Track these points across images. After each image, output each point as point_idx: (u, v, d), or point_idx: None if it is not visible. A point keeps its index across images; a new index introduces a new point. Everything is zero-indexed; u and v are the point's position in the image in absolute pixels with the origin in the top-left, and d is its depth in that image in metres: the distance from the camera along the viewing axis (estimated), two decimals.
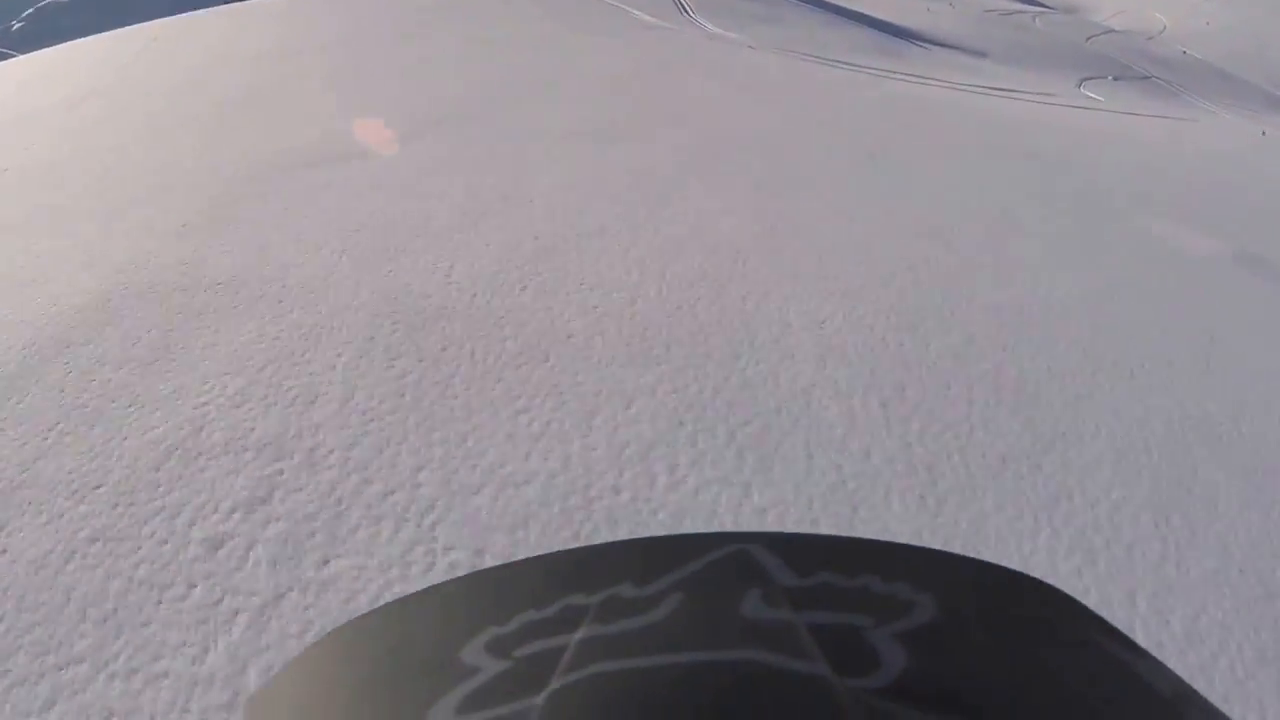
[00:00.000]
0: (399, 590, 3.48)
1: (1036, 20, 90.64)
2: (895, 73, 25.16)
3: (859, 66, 24.37)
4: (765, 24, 35.49)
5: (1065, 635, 0.59)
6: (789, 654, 0.52)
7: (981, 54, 52.32)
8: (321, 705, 0.58)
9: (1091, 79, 56.89)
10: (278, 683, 0.63)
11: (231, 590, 3.61)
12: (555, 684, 0.51)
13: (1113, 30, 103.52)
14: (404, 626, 0.65)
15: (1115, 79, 59.51)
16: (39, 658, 3.25)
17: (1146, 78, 65.31)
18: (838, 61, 24.91)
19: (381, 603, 0.97)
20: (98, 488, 4.16)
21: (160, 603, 3.52)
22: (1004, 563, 3.20)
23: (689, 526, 3.84)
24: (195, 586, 3.60)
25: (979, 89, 23.91)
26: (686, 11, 34.89)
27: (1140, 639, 3.30)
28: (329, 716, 0.57)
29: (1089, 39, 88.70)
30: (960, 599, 0.61)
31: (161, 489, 4.16)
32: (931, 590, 0.61)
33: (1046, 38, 70.14)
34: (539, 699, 0.50)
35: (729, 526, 3.86)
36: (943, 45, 50.74)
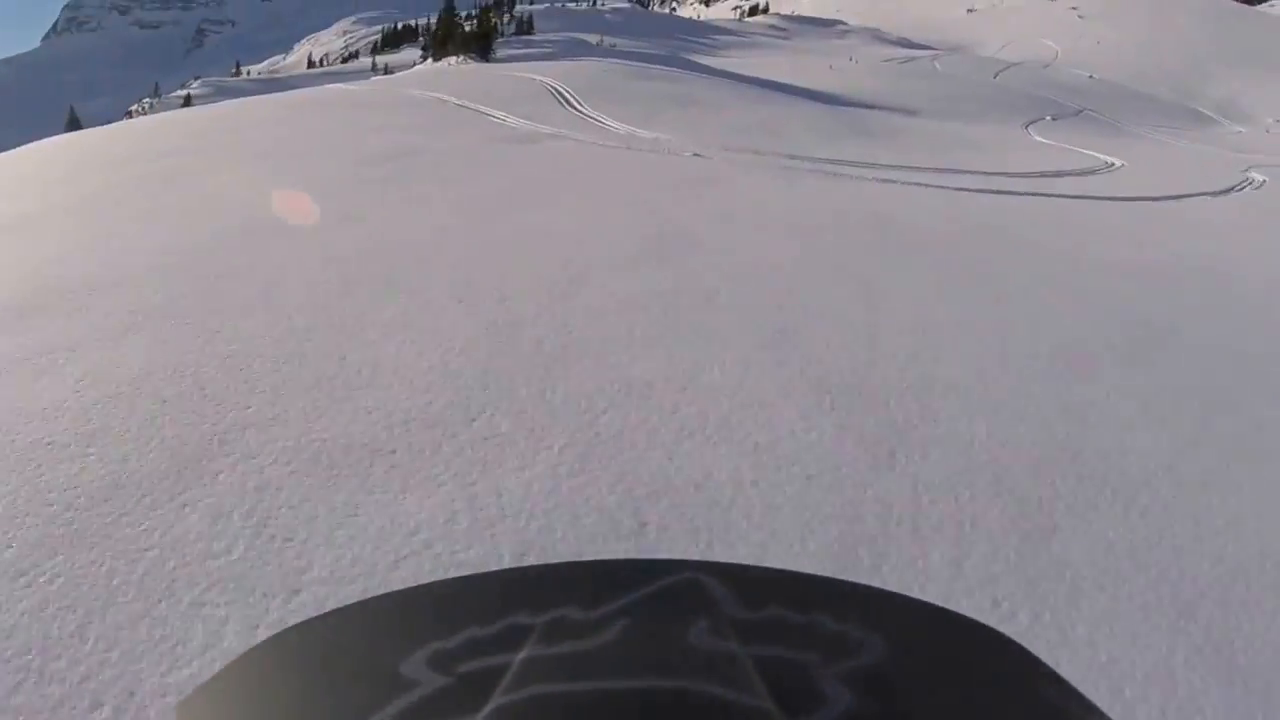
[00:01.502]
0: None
1: (936, 63, 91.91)
2: (898, 167, 20.07)
3: (851, 164, 19.67)
4: (678, 106, 28.10)
5: (1013, 684, 0.60)
6: (732, 686, 0.51)
7: (912, 112, 48.74)
8: (255, 711, 0.58)
9: (1033, 122, 54.90)
10: (212, 686, 0.62)
11: None
12: (495, 703, 0.51)
13: (1012, 64, 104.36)
14: (345, 635, 0.64)
15: (1053, 118, 57.92)
16: None
17: (1080, 112, 64.69)
18: (816, 161, 19.74)
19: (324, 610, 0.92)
20: None
21: None
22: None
23: None
24: None
25: (998, 189, 17.81)
26: (571, 105, 25.35)
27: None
28: None
29: (996, 75, 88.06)
30: (909, 642, 0.60)
31: None
32: (881, 632, 0.60)
33: (959, 82, 67.89)
34: (478, 717, 0.50)
35: None
36: (872, 107, 46.16)
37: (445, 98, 28.71)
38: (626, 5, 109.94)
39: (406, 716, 0.51)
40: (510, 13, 71.38)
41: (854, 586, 0.67)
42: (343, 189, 12.18)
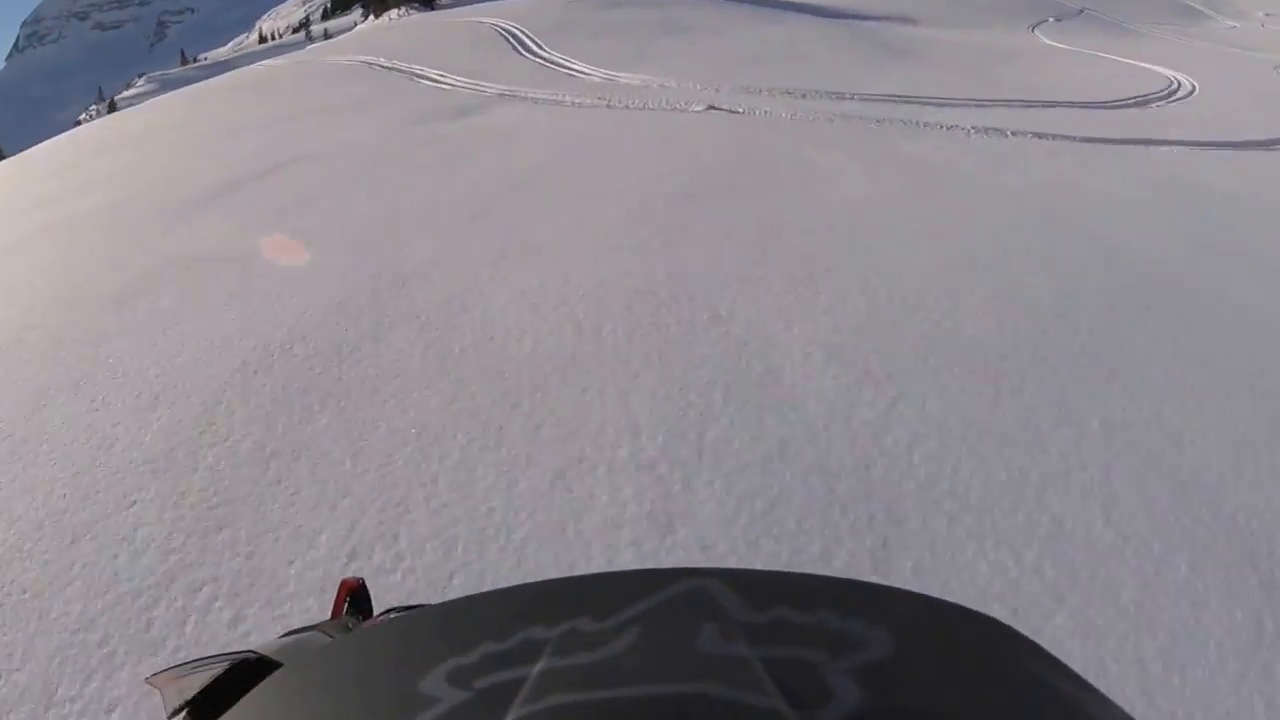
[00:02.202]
0: None
1: None
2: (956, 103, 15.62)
3: (924, 103, 15.36)
4: (667, 35, 24.21)
5: (1019, 674, 0.61)
6: (743, 687, 0.52)
7: (911, 19, 43.86)
8: None
9: (1039, 24, 50.99)
10: (236, 714, 0.64)
11: None
12: (514, 715, 0.52)
13: None
14: (364, 657, 0.66)
15: (1057, 19, 54.09)
16: None
17: (1081, 11, 60.98)
18: (877, 101, 15.45)
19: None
20: None
21: None
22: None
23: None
24: None
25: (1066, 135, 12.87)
26: (530, 50, 20.25)
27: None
28: None
29: None
30: (914, 635, 0.62)
31: None
32: (886, 626, 0.62)
33: None
34: None
35: None
36: (869, 18, 41.40)
37: (374, 60, 24.29)
38: None
39: None
40: None
41: (857, 584, 0.69)
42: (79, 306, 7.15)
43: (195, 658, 0.85)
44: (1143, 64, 27.03)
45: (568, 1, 32.45)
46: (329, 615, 1.56)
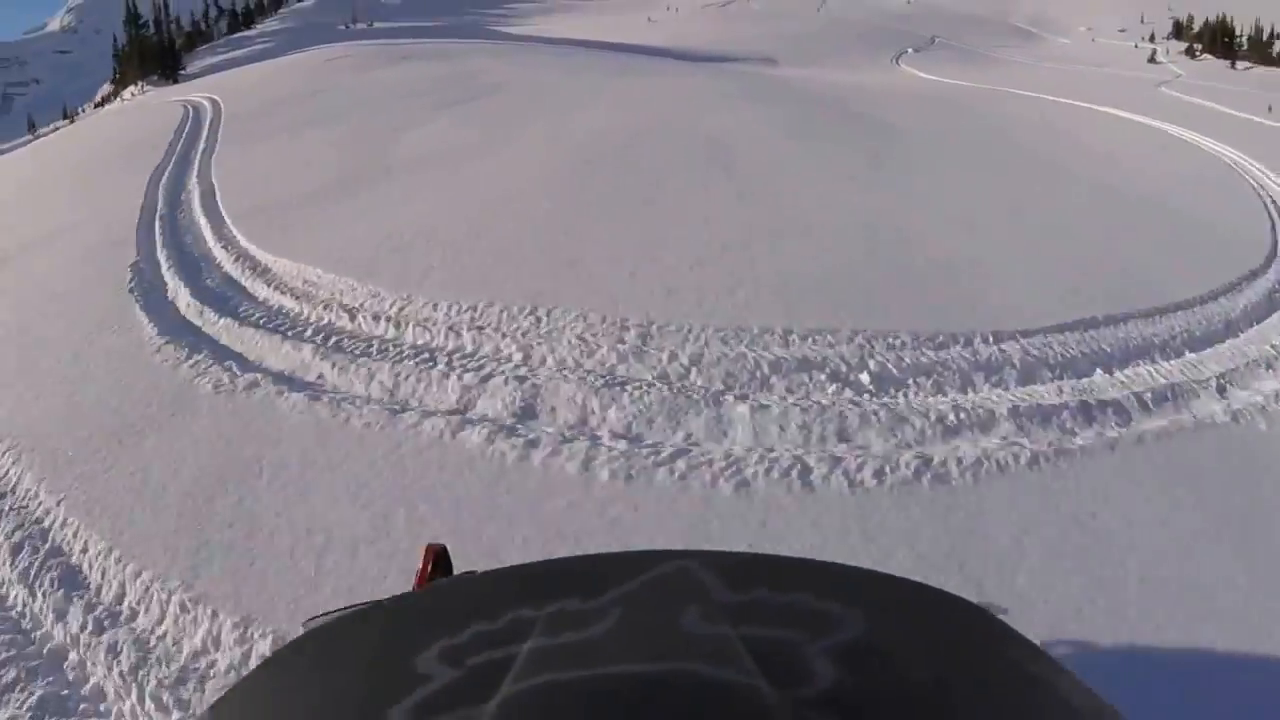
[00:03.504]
0: None
1: (753, 4, 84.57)
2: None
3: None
4: (465, 111, 14.96)
5: (989, 653, 0.63)
6: (725, 666, 0.54)
7: (771, 59, 39.74)
8: (284, 709, 0.62)
9: (900, 55, 49.57)
10: (239, 690, 0.65)
11: None
12: (504, 692, 0.53)
13: None
14: (361, 636, 0.68)
15: (915, 50, 52.77)
16: None
17: (933, 40, 59.68)
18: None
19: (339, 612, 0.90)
20: None
21: None
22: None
23: None
24: None
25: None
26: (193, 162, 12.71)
27: None
28: None
29: (819, 8, 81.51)
30: (888, 616, 0.64)
31: None
32: (861, 607, 0.63)
33: (791, 20, 60.14)
34: (490, 705, 0.52)
35: None
36: (731, 60, 36.97)
37: None
38: None
39: (423, 708, 0.54)
40: (222, 7, 54.80)
41: (832, 566, 0.70)
42: None
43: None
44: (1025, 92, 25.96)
45: (326, 60, 24.52)
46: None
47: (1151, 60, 69.63)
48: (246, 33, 48.75)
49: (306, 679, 0.64)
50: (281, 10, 61.14)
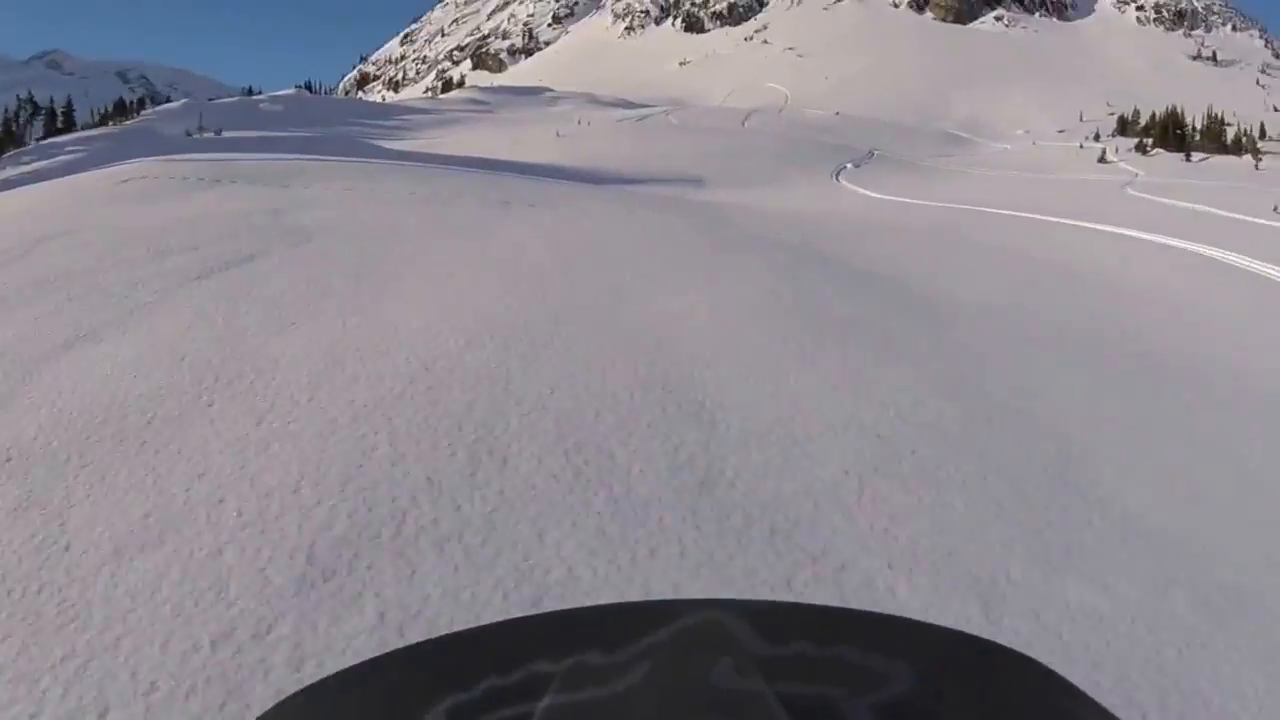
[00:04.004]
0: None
1: (671, 118, 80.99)
2: None
3: None
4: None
5: (1046, 710, 0.60)
6: None
7: (698, 181, 34.93)
8: None
9: (840, 170, 45.77)
10: None
11: None
12: None
13: (753, 110, 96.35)
14: (362, 692, 0.65)
15: (855, 165, 49.27)
16: None
17: (872, 153, 56.03)
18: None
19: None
20: None
21: None
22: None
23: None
24: None
25: None
26: None
27: None
28: None
29: (744, 121, 78.91)
30: (935, 670, 0.61)
31: None
32: (906, 660, 0.60)
33: (717, 136, 56.32)
34: None
35: None
36: (653, 181, 32.75)
37: None
38: (292, 92, 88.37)
39: None
40: (40, 108, 47.55)
41: (874, 616, 0.68)
42: None
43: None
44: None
45: (118, 184, 18.18)
46: None
47: (1102, 160, 67.79)
48: (56, 139, 41.31)
49: None
50: (137, 118, 54.35)
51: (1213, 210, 26.05)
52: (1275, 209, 23.97)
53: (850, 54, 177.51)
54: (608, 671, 0.57)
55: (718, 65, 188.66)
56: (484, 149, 41.19)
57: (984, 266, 11.62)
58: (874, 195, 31.60)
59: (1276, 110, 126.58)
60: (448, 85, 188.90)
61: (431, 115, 75.33)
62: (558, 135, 51.96)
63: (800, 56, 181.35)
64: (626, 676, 0.56)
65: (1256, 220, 23.04)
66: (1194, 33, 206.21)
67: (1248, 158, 76.04)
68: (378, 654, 0.68)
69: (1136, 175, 51.92)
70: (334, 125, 57.95)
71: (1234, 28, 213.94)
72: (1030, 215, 21.81)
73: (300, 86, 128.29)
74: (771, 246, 9.99)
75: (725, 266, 8.04)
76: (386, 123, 65.05)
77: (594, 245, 8.49)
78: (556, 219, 9.89)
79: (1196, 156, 75.20)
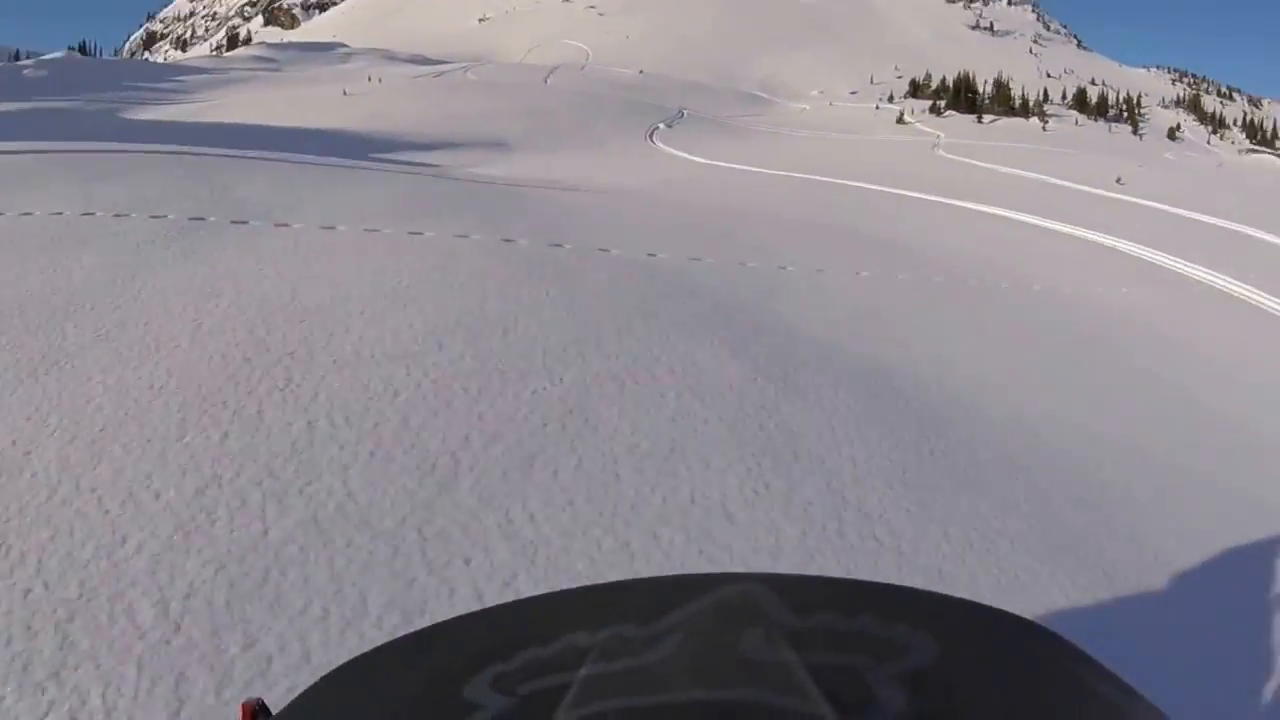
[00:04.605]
0: None
1: (469, 74, 77.00)
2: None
3: None
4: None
5: (1062, 679, 0.61)
6: (788, 694, 0.53)
7: (501, 145, 30.97)
8: None
9: (653, 130, 43.29)
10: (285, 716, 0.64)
11: None
12: None
13: (554, 67, 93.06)
14: (406, 665, 0.67)
15: (668, 125, 47.43)
16: None
17: (682, 113, 54.06)
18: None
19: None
20: None
21: None
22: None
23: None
24: None
25: None
26: None
27: None
28: None
29: (546, 79, 75.86)
30: (958, 641, 0.62)
31: None
32: (930, 632, 0.62)
33: (520, 93, 52.54)
34: None
35: None
36: (448, 146, 29.22)
37: None
38: (61, 55, 78.31)
39: None
40: None
41: (897, 589, 0.69)
42: None
43: None
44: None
45: None
46: None
47: (900, 121, 69.35)
48: None
49: (348, 710, 0.62)
50: None
51: (1024, 174, 25.64)
52: (1118, 180, 23.34)
53: (649, 13, 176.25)
54: (643, 642, 0.59)
55: (518, 21, 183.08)
56: (258, 113, 36.21)
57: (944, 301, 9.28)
58: (697, 159, 29.24)
59: (1049, 76, 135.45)
60: (234, 42, 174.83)
61: (211, 75, 67.50)
62: (344, 94, 47.08)
63: (601, 15, 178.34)
64: (661, 647, 0.58)
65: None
66: (973, 4, 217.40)
67: (1035, 120, 79.89)
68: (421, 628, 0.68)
69: (939, 136, 52.45)
70: (103, 91, 50.95)
71: (1009, 2, 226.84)
72: (873, 186, 20.12)
73: (72, 48, 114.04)
74: (600, 268, 6.60)
75: (517, 326, 4.76)
76: (160, 85, 57.50)
77: (306, 342, 4.34)
78: (266, 259, 5.68)
79: (987, 118, 78.09)
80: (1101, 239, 15.26)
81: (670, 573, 2.61)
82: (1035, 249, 13.47)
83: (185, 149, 10.82)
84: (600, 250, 7.03)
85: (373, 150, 24.80)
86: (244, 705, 1.31)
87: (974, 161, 30.90)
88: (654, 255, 7.37)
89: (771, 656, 0.56)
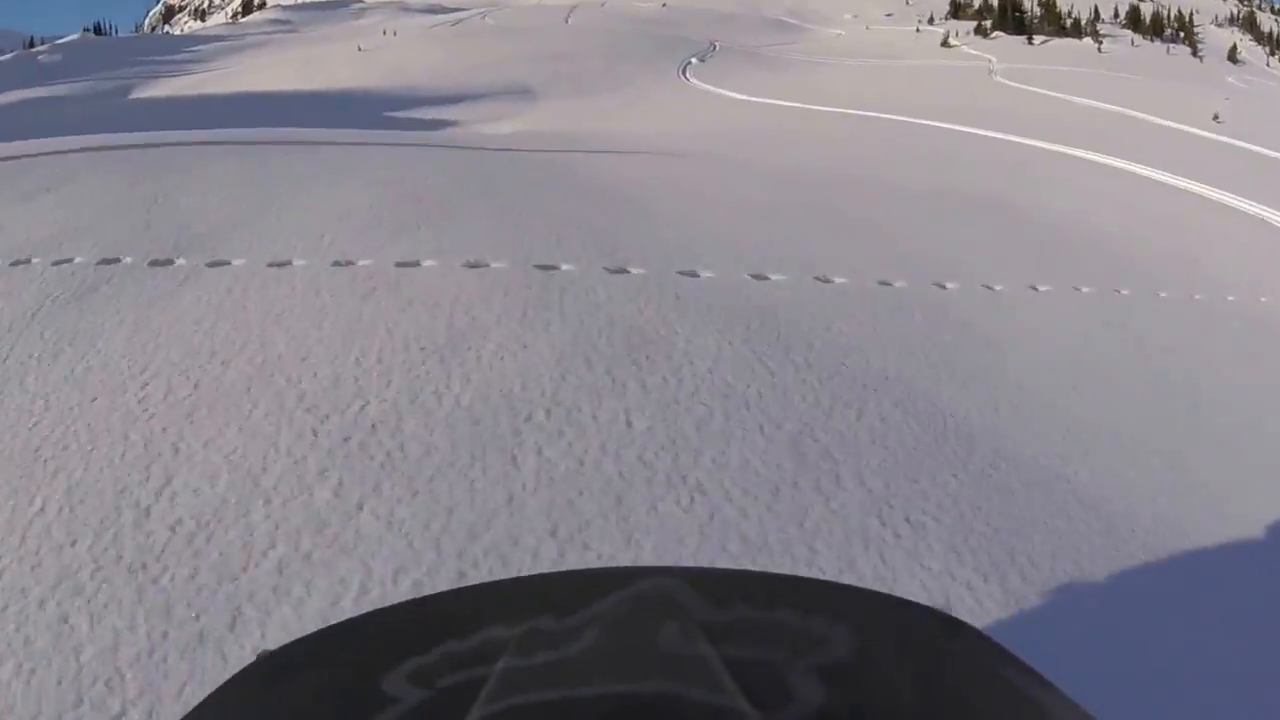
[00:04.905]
0: None
1: (487, 19, 74.41)
2: None
3: None
4: None
5: (980, 674, 0.61)
6: (705, 688, 0.52)
7: (526, 92, 29.40)
8: None
9: (686, 66, 40.15)
10: (197, 714, 0.62)
11: None
12: (476, 714, 0.52)
13: (574, 6, 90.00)
14: (322, 657, 0.66)
15: (700, 59, 44.17)
16: None
17: (713, 46, 51.27)
18: None
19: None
20: None
21: None
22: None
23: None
24: None
25: None
26: None
27: None
28: None
29: (567, 18, 73.26)
30: (875, 634, 0.62)
31: None
32: (847, 625, 0.62)
33: (542, 37, 49.15)
34: None
35: None
36: (468, 98, 27.45)
37: None
38: (77, 38, 77.24)
39: None
40: None
41: (814, 582, 0.70)
42: None
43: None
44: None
45: None
46: None
47: (945, 45, 65.48)
48: None
49: (263, 706, 0.60)
50: None
51: (1103, 106, 22.69)
52: (1215, 118, 20.37)
53: None
54: (560, 636, 0.58)
55: None
56: (269, 77, 34.24)
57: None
58: (740, 97, 26.80)
59: None
60: (250, 7, 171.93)
61: (227, 43, 65.29)
62: (359, 50, 44.85)
63: None
64: (578, 641, 0.57)
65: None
66: None
67: (1088, 40, 75.28)
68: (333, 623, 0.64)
69: (991, 61, 48.92)
70: (116, 69, 49.44)
71: None
72: (946, 125, 17.62)
73: (88, 29, 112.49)
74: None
75: None
76: (173, 58, 55.55)
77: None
78: (172, 342, 3.70)
79: (1037, 39, 73.81)
80: (1249, 207, 11.35)
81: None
82: (1183, 224, 9.76)
83: (145, 141, 8.72)
84: (685, 275, 4.67)
85: (386, 109, 22.78)
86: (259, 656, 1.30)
87: (1042, 90, 27.78)
88: (764, 278, 4.91)
89: (688, 650, 0.55)
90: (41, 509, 2.49)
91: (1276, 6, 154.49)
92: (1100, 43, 72.76)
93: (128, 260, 4.68)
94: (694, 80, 34.37)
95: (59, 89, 36.35)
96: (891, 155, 12.96)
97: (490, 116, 23.21)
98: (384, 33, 56.97)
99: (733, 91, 28.42)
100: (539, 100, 27.17)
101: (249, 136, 9.50)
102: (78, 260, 4.65)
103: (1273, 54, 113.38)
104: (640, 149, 11.66)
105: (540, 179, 7.61)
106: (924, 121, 18.31)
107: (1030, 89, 28.72)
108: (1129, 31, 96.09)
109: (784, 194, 8.02)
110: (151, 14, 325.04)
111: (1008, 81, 32.55)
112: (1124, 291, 6.22)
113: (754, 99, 25.67)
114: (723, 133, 16.76)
